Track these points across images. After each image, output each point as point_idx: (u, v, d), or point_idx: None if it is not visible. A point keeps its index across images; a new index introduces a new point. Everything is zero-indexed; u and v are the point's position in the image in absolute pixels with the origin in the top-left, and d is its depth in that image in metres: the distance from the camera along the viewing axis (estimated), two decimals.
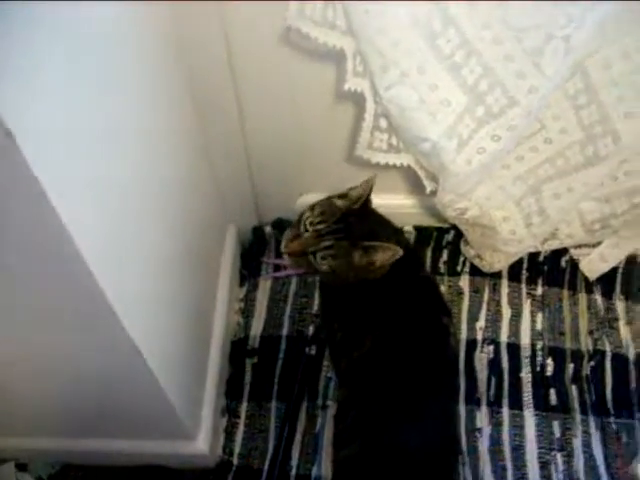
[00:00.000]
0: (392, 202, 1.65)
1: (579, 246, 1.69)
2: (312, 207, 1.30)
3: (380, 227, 1.32)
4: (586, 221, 1.56)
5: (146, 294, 1.10)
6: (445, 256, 1.75)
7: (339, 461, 1.32)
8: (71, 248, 0.77)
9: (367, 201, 1.30)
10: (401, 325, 1.29)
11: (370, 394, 1.27)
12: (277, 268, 1.75)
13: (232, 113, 1.43)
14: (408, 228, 1.74)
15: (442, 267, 1.74)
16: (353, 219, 1.27)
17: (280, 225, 1.75)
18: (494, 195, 1.48)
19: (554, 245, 1.65)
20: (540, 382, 1.59)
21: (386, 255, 1.24)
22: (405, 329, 1.29)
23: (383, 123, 1.37)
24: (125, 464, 1.51)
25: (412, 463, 1.23)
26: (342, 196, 1.31)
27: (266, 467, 1.51)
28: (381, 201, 1.62)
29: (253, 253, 1.77)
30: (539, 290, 1.71)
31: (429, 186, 1.48)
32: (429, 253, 1.75)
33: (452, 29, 1.21)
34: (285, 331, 1.66)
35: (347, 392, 1.34)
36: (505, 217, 1.53)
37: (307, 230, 1.27)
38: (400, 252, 1.22)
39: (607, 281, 1.72)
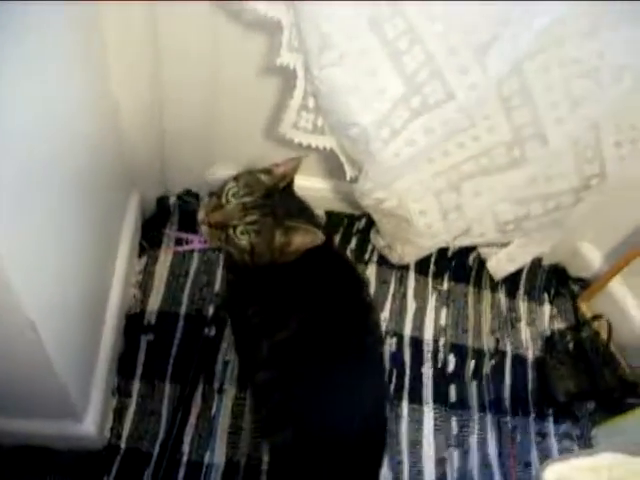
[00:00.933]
0: (305, 183, 1.57)
1: (488, 245, 1.67)
2: (236, 178, 1.24)
3: (301, 210, 1.28)
4: (499, 221, 1.54)
5: (39, 261, 0.99)
6: (353, 244, 1.71)
7: (274, 448, 1.28)
8: None
9: (291, 182, 1.25)
10: (325, 303, 1.24)
11: (297, 375, 1.21)
12: (179, 242, 1.66)
13: (147, 72, 1.31)
14: (319, 212, 1.66)
15: (350, 255, 1.69)
16: (277, 197, 1.23)
17: (187, 197, 1.65)
18: (414, 187, 1.43)
19: (465, 242, 1.61)
20: (441, 378, 1.58)
21: (306, 239, 1.19)
22: (329, 307, 1.24)
23: (311, 103, 1.29)
24: (5, 443, 1.40)
25: (346, 443, 1.19)
26: (266, 172, 1.26)
27: (156, 451, 1.42)
28: (297, 181, 1.58)
29: (155, 224, 1.66)
30: (445, 285, 1.70)
31: (350, 172, 1.42)
32: (338, 239, 1.70)
33: (399, 17, 1.15)
34: (184, 309, 1.57)
35: (270, 375, 1.26)
36: (422, 210, 1.48)
37: (229, 202, 1.21)
38: (321, 238, 1.18)
39: (512, 281, 1.73)
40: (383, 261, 1.68)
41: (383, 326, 1.61)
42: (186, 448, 1.44)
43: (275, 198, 1.23)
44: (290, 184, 1.27)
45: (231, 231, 1.22)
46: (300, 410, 1.21)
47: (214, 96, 1.40)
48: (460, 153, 1.40)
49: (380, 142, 1.27)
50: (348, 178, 1.43)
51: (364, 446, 1.23)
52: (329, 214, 1.70)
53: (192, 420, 1.46)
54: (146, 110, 1.40)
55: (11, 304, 0.88)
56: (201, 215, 1.25)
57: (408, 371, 1.57)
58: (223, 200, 1.23)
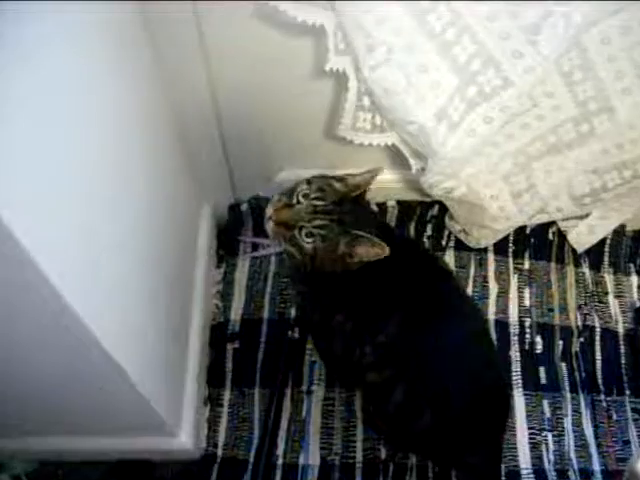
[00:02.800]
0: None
1: (566, 218, 1.60)
2: (309, 181, 1.20)
3: (370, 221, 1.24)
4: (576, 195, 1.47)
5: (119, 292, 1.00)
6: (429, 231, 1.65)
7: (415, 434, 1.26)
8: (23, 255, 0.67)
9: (364, 192, 1.22)
10: (419, 297, 1.21)
11: (414, 367, 1.19)
12: (255, 247, 1.65)
13: (204, 88, 1.30)
14: (391, 203, 1.64)
15: (426, 242, 1.65)
16: (348, 205, 1.19)
17: (258, 203, 1.63)
18: (483, 173, 1.38)
19: (542, 219, 1.55)
20: (529, 360, 1.53)
21: (371, 251, 1.14)
22: (425, 300, 1.21)
23: (366, 102, 1.26)
24: (106, 460, 1.43)
25: (481, 411, 1.21)
26: (340, 179, 1.21)
27: (252, 458, 1.43)
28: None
29: (230, 232, 1.65)
30: (526, 264, 1.63)
31: (415, 165, 1.38)
32: (412, 228, 1.66)
33: (443, 5, 1.10)
34: (266, 314, 1.56)
35: (383, 374, 1.22)
36: (493, 195, 1.44)
37: (300, 202, 1.18)
38: (387, 252, 1.13)
39: (595, 253, 1.65)
40: (461, 245, 1.63)
41: None
42: (280, 452, 1.44)
43: (346, 206, 1.19)
44: (363, 194, 1.23)
45: (297, 232, 1.18)
46: (428, 393, 1.19)
47: (270, 100, 1.37)
48: (526, 134, 1.34)
49: (440, 136, 1.23)
50: (414, 171, 1.39)
51: (492, 403, 1.25)
52: (401, 203, 1.65)
53: (284, 424, 1.46)
54: (205, 121, 1.38)
55: (87, 340, 0.88)
56: (268, 212, 1.22)
57: None
58: (294, 200, 1.19)
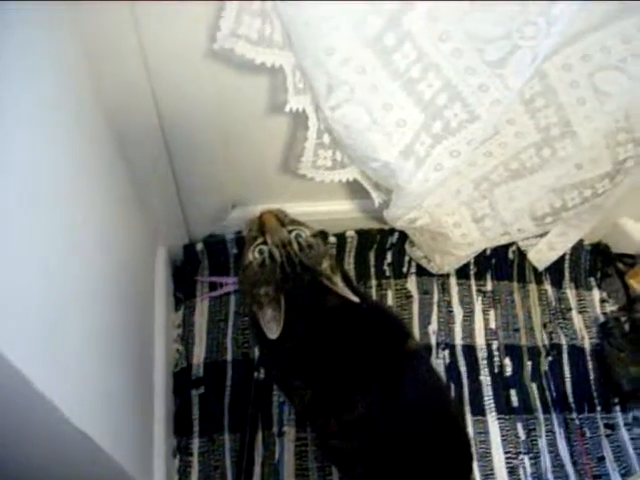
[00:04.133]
0: (331, 208, 1.52)
1: (526, 238, 1.59)
2: None
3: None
4: (537, 215, 1.44)
5: (75, 354, 0.91)
6: (389, 258, 1.61)
7: None
8: None
9: None
10: (385, 376, 1.15)
11: (377, 449, 1.15)
12: (213, 287, 1.58)
13: (154, 128, 1.23)
14: (350, 233, 1.59)
15: (387, 270, 1.61)
16: None
17: (213, 241, 1.57)
18: (445, 202, 1.35)
19: (503, 241, 1.53)
20: (500, 383, 1.50)
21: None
22: (390, 378, 1.15)
23: (326, 139, 1.21)
24: None
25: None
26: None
27: None
28: (321, 207, 1.50)
29: (186, 273, 1.58)
30: (489, 285, 1.61)
31: (377, 198, 1.34)
32: (372, 256, 1.61)
33: (408, 43, 1.05)
34: (230, 355, 1.50)
35: (345, 445, 1.19)
36: (456, 222, 1.40)
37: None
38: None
39: (556, 270, 1.64)
40: (423, 271, 1.60)
41: (433, 339, 1.54)
42: None
43: None
44: None
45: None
46: (391, 472, 1.16)
47: (222, 138, 1.31)
48: (488, 162, 1.31)
49: (406, 173, 1.18)
50: (376, 205, 1.35)
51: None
52: (360, 233, 1.60)
53: (257, 469, 1.40)
54: (157, 160, 1.31)
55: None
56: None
57: (466, 382, 1.50)
58: None
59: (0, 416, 0.82)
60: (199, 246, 1.57)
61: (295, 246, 1.13)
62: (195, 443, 1.42)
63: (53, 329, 0.83)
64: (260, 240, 1.15)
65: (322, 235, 1.19)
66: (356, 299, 1.09)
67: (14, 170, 0.73)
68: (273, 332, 1.09)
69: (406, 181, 1.20)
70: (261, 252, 1.14)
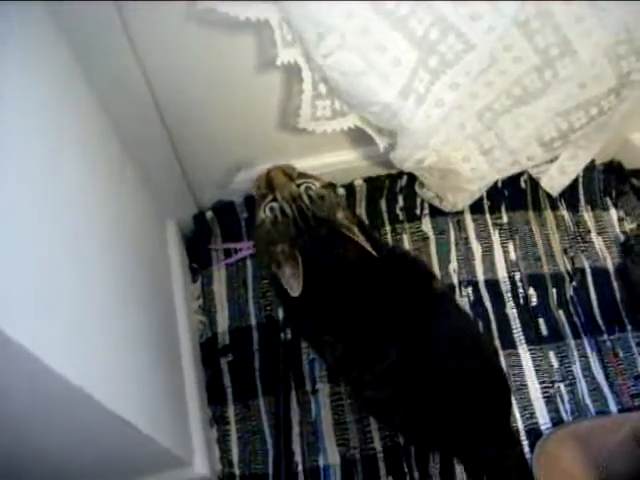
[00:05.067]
0: (336, 159, 1.48)
1: (536, 165, 1.55)
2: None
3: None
4: (545, 141, 1.40)
5: (99, 337, 0.90)
6: (401, 202, 1.58)
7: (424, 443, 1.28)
8: None
9: None
10: (415, 324, 1.13)
11: (414, 395, 1.14)
12: (228, 254, 1.56)
13: (149, 111, 1.22)
14: (358, 182, 1.56)
15: (400, 214, 1.58)
16: None
17: (222, 207, 1.55)
18: (451, 137, 1.31)
19: (514, 170, 1.48)
20: (527, 314, 1.48)
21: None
22: (420, 325, 1.13)
23: (323, 89, 1.17)
24: None
25: (485, 414, 1.19)
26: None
27: (271, 470, 1.36)
28: (326, 160, 1.47)
29: (199, 243, 1.56)
30: (504, 217, 1.57)
31: (382, 142, 1.31)
32: (383, 202, 1.58)
33: None
34: (253, 320, 1.48)
35: (382, 394, 1.17)
36: (465, 156, 1.37)
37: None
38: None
39: (570, 194, 1.60)
40: (436, 211, 1.57)
41: (454, 278, 1.51)
42: (299, 458, 1.37)
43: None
44: None
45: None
46: (431, 413, 1.15)
47: (217, 102, 1.28)
48: (490, 91, 1.26)
49: (408, 112, 1.15)
50: (382, 149, 1.32)
51: (495, 404, 1.21)
52: (368, 180, 1.58)
53: (295, 428, 1.39)
54: (153, 132, 1.28)
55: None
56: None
57: (492, 317, 1.47)
58: None
59: (35, 408, 0.81)
60: (209, 214, 1.55)
61: (306, 199, 1.10)
62: (231, 411, 1.42)
63: (77, 320, 0.82)
64: (270, 197, 1.12)
65: (332, 187, 1.16)
66: (374, 252, 1.06)
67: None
68: (294, 289, 1.07)
69: (408, 120, 1.17)
70: (272, 209, 1.11)
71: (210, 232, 1.56)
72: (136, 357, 1.08)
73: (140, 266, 1.23)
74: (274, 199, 1.11)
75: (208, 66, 1.19)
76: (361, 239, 1.06)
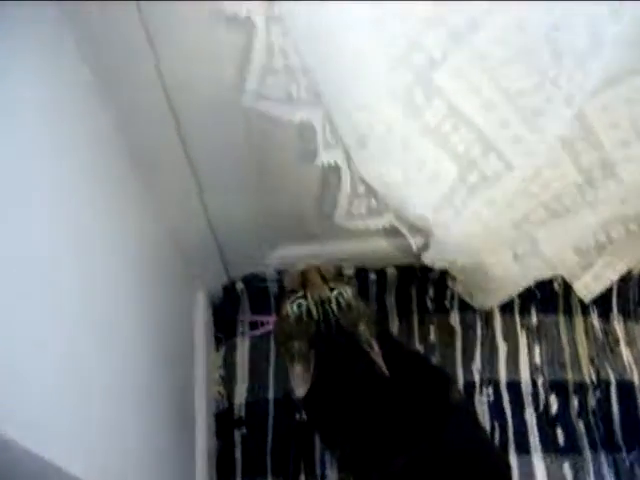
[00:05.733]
0: (370, 246, 1.46)
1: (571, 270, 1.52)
2: None
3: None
4: (581, 249, 1.39)
5: (117, 420, 0.92)
6: (431, 293, 1.56)
7: None
8: None
9: None
10: (425, 437, 1.10)
11: None
12: (254, 326, 1.55)
13: (185, 176, 1.21)
14: (391, 270, 1.55)
15: (430, 305, 1.56)
16: None
17: (253, 280, 1.54)
18: (484, 242, 1.31)
19: (547, 274, 1.47)
20: (545, 421, 1.45)
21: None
22: (430, 439, 1.10)
23: (361, 189, 1.18)
24: None
25: None
26: None
27: None
28: (360, 245, 1.47)
29: (226, 313, 1.55)
30: (534, 319, 1.55)
31: (415, 243, 1.30)
32: (414, 292, 1.57)
33: (437, 99, 1.01)
34: (271, 394, 1.47)
35: None
36: (497, 261, 1.35)
37: None
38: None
39: (603, 302, 1.56)
40: (465, 305, 1.54)
41: (476, 376, 1.49)
42: None
43: None
44: None
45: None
46: None
47: (255, 180, 1.28)
48: (528, 203, 1.25)
49: (443, 227, 1.15)
50: (415, 249, 1.31)
51: None
52: (399, 268, 1.56)
53: None
54: (189, 205, 1.29)
55: None
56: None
57: (510, 420, 1.45)
58: None
59: None
60: (239, 285, 1.55)
61: (334, 306, 1.09)
62: None
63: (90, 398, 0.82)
64: (300, 294, 1.11)
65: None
66: (386, 371, 1.05)
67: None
68: (299, 390, 1.06)
69: (444, 234, 1.16)
70: (299, 306, 1.10)
71: (238, 303, 1.55)
72: (150, 432, 1.09)
73: (163, 338, 1.23)
74: (304, 297, 1.11)
75: (249, 144, 1.18)
76: (377, 356, 1.05)
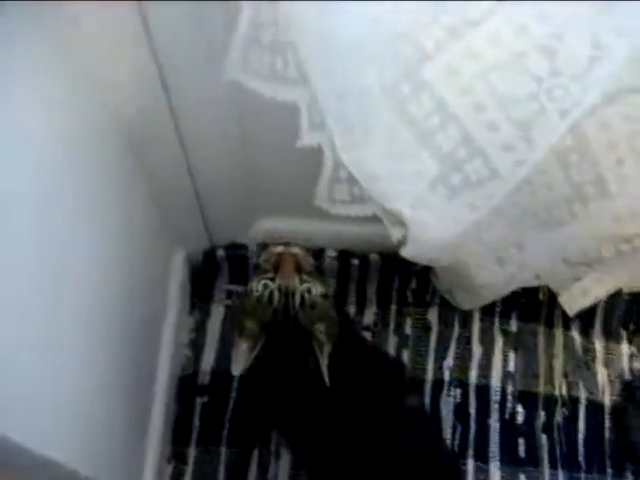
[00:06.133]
0: (355, 229, 1.42)
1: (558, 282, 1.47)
2: None
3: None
4: (570, 261, 1.35)
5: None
6: (414, 284, 1.52)
7: None
8: None
9: None
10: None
11: None
12: (229, 295, 1.53)
13: (172, 147, 1.20)
14: (374, 256, 1.50)
15: (410, 296, 1.52)
16: None
17: (235, 249, 1.50)
18: (467, 244, 1.26)
19: (532, 283, 1.43)
20: (509, 431, 1.41)
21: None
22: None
23: (343, 174, 1.13)
24: None
25: None
26: None
27: None
28: (345, 227, 1.43)
29: (204, 278, 1.53)
30: (513, 326, 1.50)
31: (396, 235, 1.25)
32: (396, 281, 1.53)
33: (425, 93, 0.96)
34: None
35: None
36: (480, 264, 1.31)
37: None
38: None
39: (586, 317, 1.51)
40: (445, 302, 1.51)
41: (446, 374, 1.45)
42: None
43: None
44: None
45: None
46: None
47: (243, 153, 1.26)
48: (514, 210, 1.21)
49: (419, 225, 1.10)
50: (395, 241, 1.27)
51: None
52: (383, 256, 1.51)
53: None
54: (174, 167, 1.26)
55: None
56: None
57: (473, 424, 1.41)
58: None
59: None
60: (220, 252, 1.51)
61: (298, 299, 1.05)
62: (191, 452, 1.39)
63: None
64: (269, 275, 1.08)
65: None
66: (327, 380, 1.01)
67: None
68: (236, 367, 1.04)
69: (420, 232, 1.11)
70: (265, 287, 1.07)
71: (218, 270, 1.53)
72: (105, 377, 1.08)
73: (139, 285, 1.24)
74: (272, 279, 1.08)
75: (239, 117, 1.17)
76: (323, 361, 1.02)
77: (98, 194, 1.04)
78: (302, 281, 1.07)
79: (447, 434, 1.40)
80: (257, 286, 1.08)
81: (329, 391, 1.04)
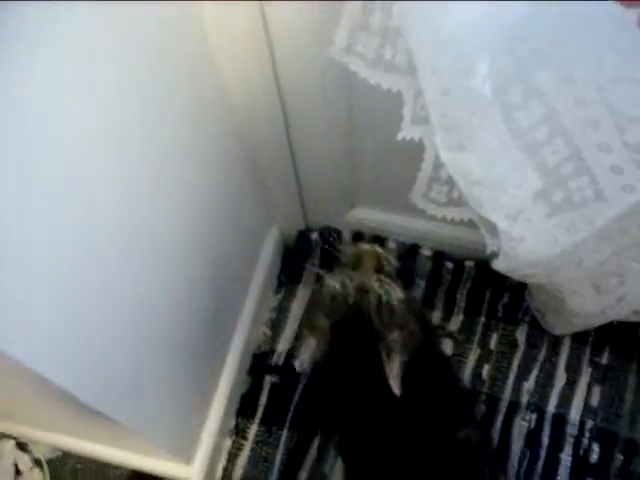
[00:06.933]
0: (451, 233, 1.37)
1: None
2: None
3: None
4: None
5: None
6: (506, 299, 1.44)
7: None
8: None
9: None
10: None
11: None
12: (318, 279, 1.45)
13: (278, 133, 1.18)
14: (469, 263, 1.45)
15: (500, 310, 1.44)
16: None
17: (328, 233, 1.47)
18: (566, 268, 1.18)
19: (632, 319, 1.32)
20: (580, 468, 1.31)
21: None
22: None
23: (443, 174, 1.08)
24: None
25: None
26: None
27: None
28: (440, 229, 1.38)
29: (295, 259, 1.50)
30: (604, 359, 1.40)
31: (491, 245, 1.18)
32: (488, 293, 1.45)
33: (535, 101, 0.90)
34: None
35: None
36: (575, 290, 1.22)
37: None
38: None
39: None
40: (536, 323, 1.42)
41: (524, 398, 1.37)
42: None
43: None
44: None
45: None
46: None
47: (345, 142, 1.23)
48: (622, 239, 1.12)
49: (513, 240, 1.03)
50: (489, 252, 1.20)
51: None
52: (479, 265, 1.46)
53: (303, 474, 1.33)
54: (280, 156, 1.25)
55: None
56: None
57: (543, 454, 1.33)
58: None
59: None
60: (314, 235, 1.49)
61: (374, 300, 1.00)
62: (253, 429, 1.38)
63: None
64: (349, 274, 1.04)
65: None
66: (397, 391, 0.95)
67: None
68: (302, 362, 1.01)
69: (513, 247, 1.04)
70: (343, 285, 1.03)
71: (310, 252, 1.49)
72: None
73: (230, 252, 1.24)
74: (350, 278, 1.03)
75: (345, 105, 1.14)
76: (390, 369, 0.96)
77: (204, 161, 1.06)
78: (380, 282, 1.02)
79: (515, 458, 1.32)
80: (334, 280, 1.04)
81: (388, 402, 0.99)
